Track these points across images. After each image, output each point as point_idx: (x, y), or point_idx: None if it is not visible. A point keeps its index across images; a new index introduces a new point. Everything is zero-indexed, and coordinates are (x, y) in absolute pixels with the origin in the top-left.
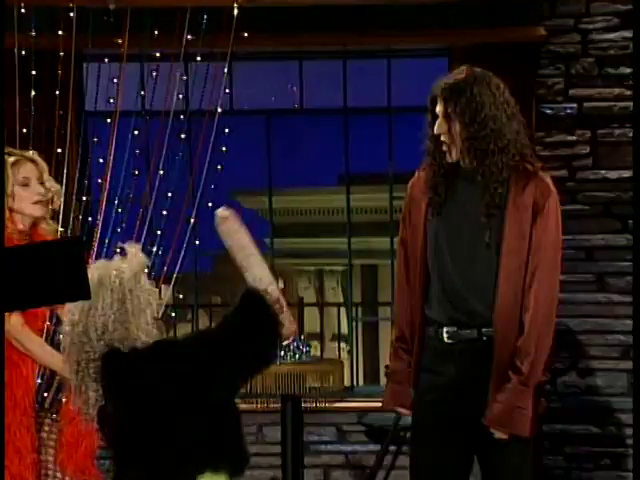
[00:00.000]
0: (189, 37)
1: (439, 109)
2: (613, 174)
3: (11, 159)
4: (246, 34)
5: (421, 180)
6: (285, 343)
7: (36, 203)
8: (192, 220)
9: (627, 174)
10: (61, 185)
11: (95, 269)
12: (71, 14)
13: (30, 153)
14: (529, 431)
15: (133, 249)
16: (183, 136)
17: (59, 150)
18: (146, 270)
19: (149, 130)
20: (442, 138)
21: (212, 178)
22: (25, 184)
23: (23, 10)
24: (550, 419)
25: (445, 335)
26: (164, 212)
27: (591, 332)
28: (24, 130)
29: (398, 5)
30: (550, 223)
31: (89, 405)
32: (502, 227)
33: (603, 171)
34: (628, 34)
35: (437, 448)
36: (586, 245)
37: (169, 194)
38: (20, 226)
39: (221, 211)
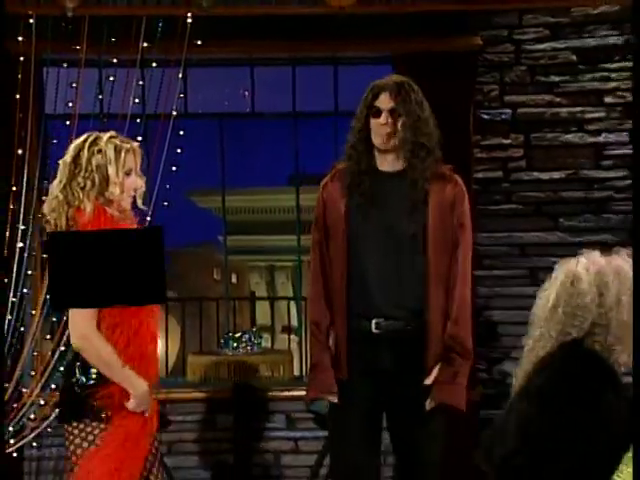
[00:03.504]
0: (145, 44)
1: (387, 104)
2: (545, 175)
3: (126, 146)
4: (199, 42)
5: (335, 182)
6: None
7: (130, 195)
8: (148, 219)
9: (558, 175)
10: (22, 186)
11: (612, 261)
12: (31, 20)
13: (135, 144)
14: (464, 406)
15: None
16: (140, 138)
17: (20, 151)
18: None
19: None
20: (382, 131)
21: (168, 178)
22: (128, 174)
23: None
24: (486, 405)
25: (374, 326)
26: None
27: (524, 324)
28: None
29: (344, 15)
30: (467, 222)
31: None
32: (426, 221)
33: (535, 173)
34: (557, 45)
35: (360, 427)
36: (519, 242)
37: None
38: (116, 214)
39: None
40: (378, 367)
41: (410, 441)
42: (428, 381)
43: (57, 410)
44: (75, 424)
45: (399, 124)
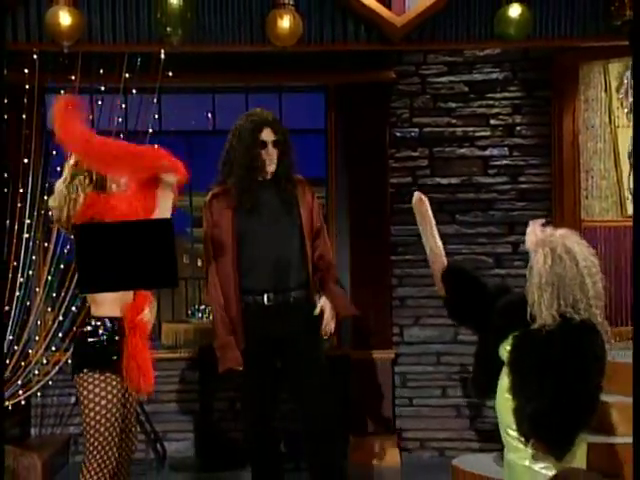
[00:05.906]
0: (127, 75)
1: (270, 137)
2: (444, 181)
3: None
4: (171, 73)
5: (220, 197)
6: None
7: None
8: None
9: (454, 181)
10: (27, 187)
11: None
12: (34, 56)
13: None
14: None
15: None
16: None
17: (25, 160)
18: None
19: None
20: (269, 159)
21: None
22: None
23: None
24: (398, 362)
25: (266, 299)
26: None
27: (428, 297)
28: None
29: (286, 52)
30: (319, 207)
31: None
32: (299, 215)
33: (437, 178)
34: (454, 78)
35: (263, 378)
36: None
37: None
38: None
39: (419, 194)
40: (271, 331)
41: (304, 375)
42: (317, 311)
43: (70, 362)
44: (88, 372)
45: (278, 153)
